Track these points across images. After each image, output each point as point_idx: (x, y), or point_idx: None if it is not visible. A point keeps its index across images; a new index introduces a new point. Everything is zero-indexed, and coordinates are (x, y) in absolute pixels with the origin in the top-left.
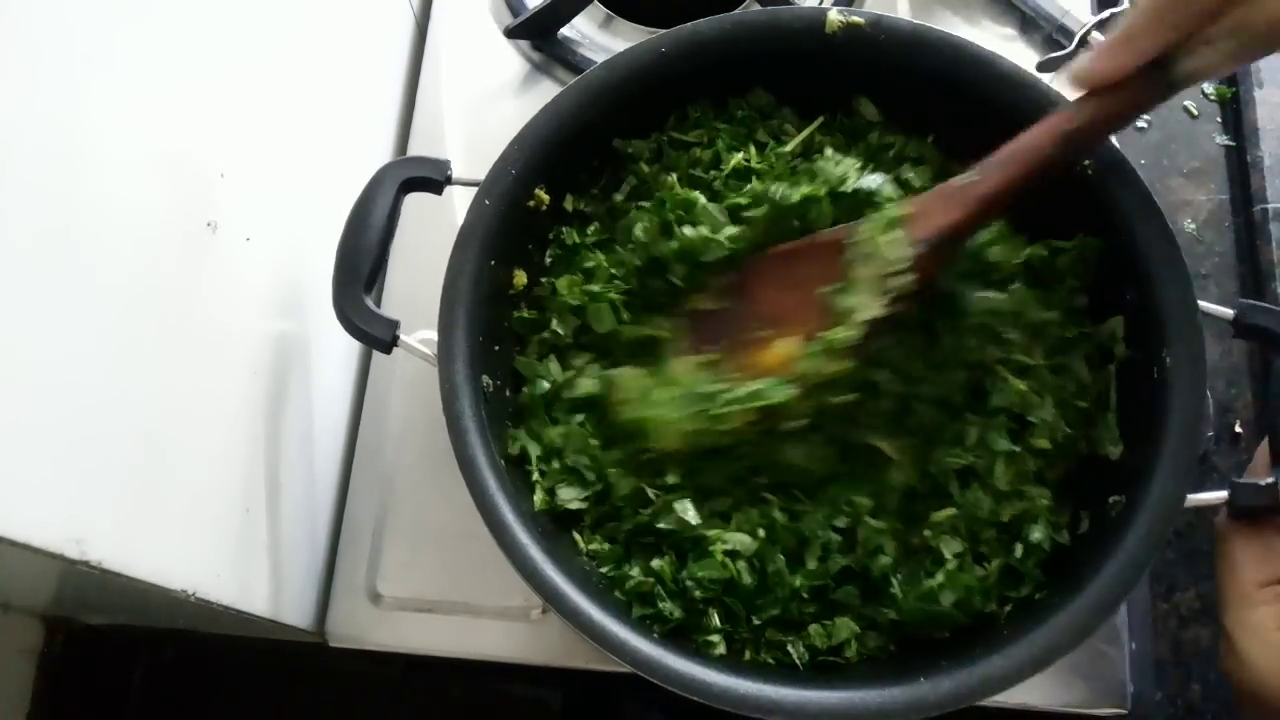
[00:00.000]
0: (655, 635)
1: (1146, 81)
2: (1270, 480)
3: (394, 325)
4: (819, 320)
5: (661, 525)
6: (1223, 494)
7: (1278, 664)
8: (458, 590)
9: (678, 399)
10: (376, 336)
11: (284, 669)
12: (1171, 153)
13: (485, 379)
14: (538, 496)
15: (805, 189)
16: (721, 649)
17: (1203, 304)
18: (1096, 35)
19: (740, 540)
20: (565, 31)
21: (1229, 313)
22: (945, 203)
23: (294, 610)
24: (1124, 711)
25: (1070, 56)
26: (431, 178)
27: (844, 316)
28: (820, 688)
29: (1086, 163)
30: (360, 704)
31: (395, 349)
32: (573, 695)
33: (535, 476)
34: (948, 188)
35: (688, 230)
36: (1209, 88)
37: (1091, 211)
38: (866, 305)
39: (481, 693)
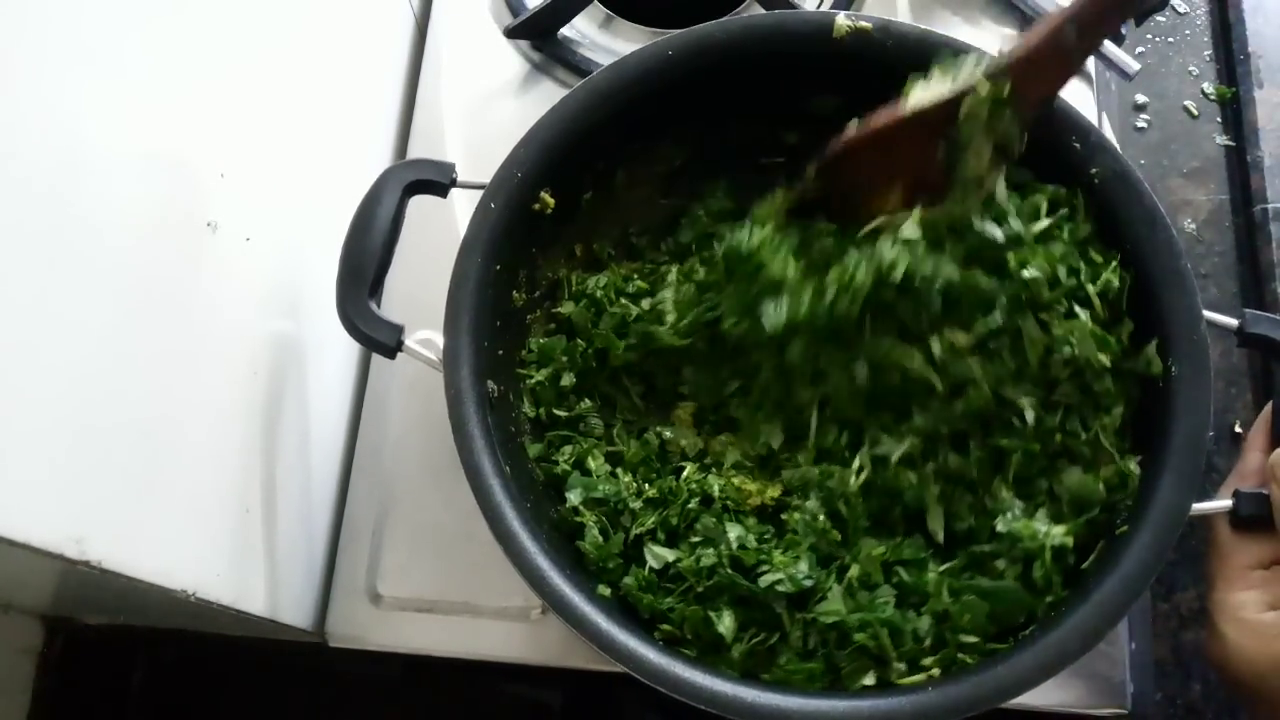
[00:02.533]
0: (660, 642)
1: None
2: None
3: (398, 330)
4: (931, 183)
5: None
6: (1227, 503)
7: (1256, 645)
8: (458, 590)
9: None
10: (381, 341)
11: (284, 669)
12: (1172, 153)
13: (490, 384)
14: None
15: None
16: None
17: (1207, 313)
18: None
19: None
20: (565, 31)
21: (1233, 322)
22: (1049, 67)
23: (293, 610)
24: (1124, 711)
25: None
26: (437, 181)
27: (972, 183)
28: (827, 696)
29: (1093, 171)
30: (360, 704)
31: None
32: (572, 695)
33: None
34: (1050, 47)
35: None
36: (1209, 87)
37: (1097, 220)
38: (989, 173)
39: (481, 693)
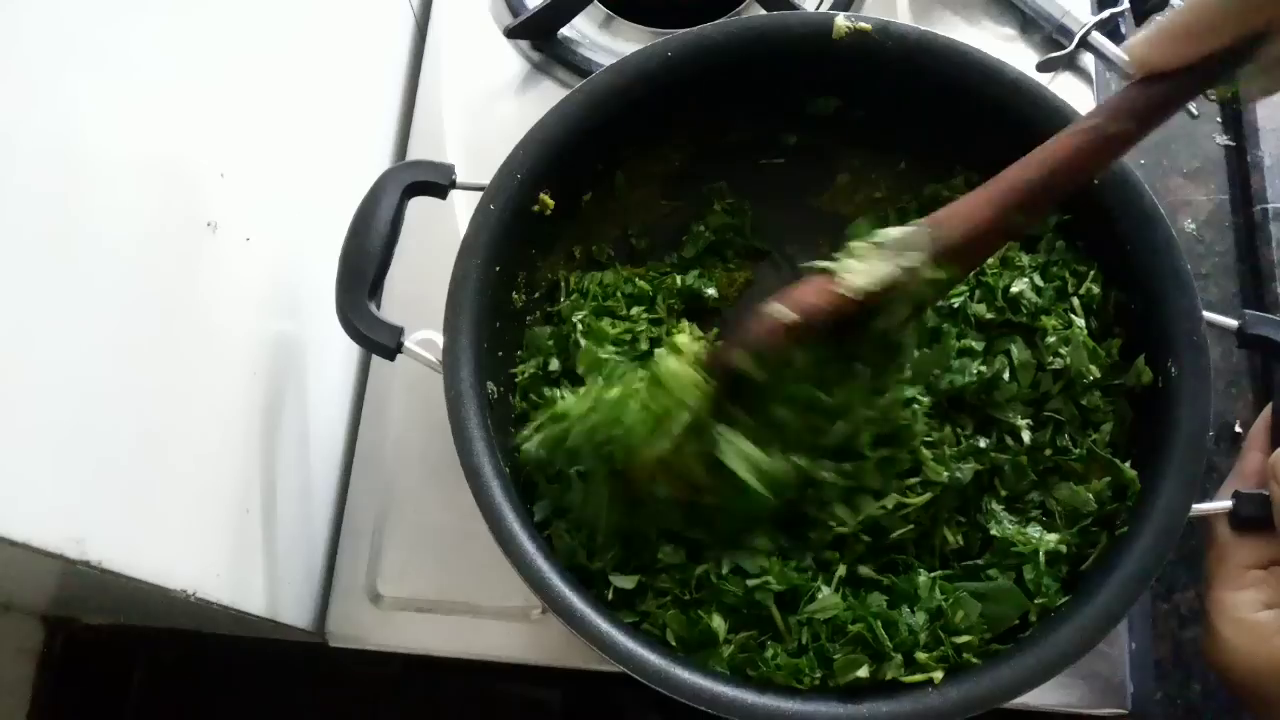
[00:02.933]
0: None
1: (1209, 67)
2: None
3: (398, 332)
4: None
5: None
6: (1227, 504)
7: (1252, 645)
8: (458, 590)
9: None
10: (381, 343)
11: (284, 669)
12: (1172, 153)
13: (490, 385)
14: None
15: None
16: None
17: (1207, 315)
18: (1096, 35)
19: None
20: (565, 31)
21: (1233, 323)
22: (990, 242)
23: (293, 610)
24: (1124, 711)
25: (1070, 56)
26: (436, 182)
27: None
28: (826, 699)
29: None
30: (360, 704)
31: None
32: (572, 695)
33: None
34: (997, 225)
35: None
36: None
37: (1096, 222)
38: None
39: (481, 692)
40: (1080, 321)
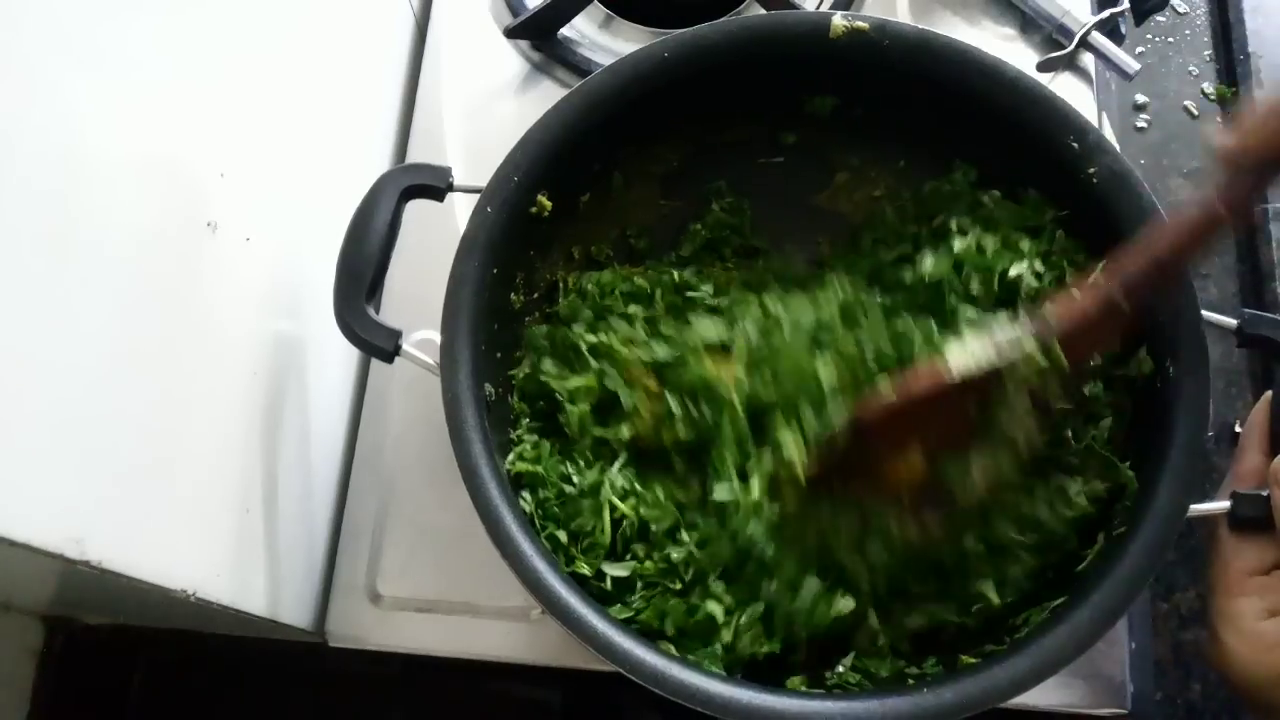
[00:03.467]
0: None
1: None
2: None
3: (396, 335)
4: (959, 437)
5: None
6: (1225, 504)
7: (1255, 653)
8: (457, 590)
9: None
10: (379, 346)
11: (283, 669)
12: (1172, 153)
13: (488, 387)
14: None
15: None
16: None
17: (1206, 314)
18: (1097, 35)
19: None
20: (565, 31)
21: (1232, 323)
22: (1098, 333)
23: (293, 610)
24: (1124, 711)
25: (1070, 56)
26: (433, 185)
27: (1006, 442)
28: (823, 698)
29: (1092, 170)
30: (360, 704)
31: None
32: (572, 695)
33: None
34: (1102, 315)
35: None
36: (1209, 87)
37: (1096, 221)
38: (1031, 432)
39: (481, 693)
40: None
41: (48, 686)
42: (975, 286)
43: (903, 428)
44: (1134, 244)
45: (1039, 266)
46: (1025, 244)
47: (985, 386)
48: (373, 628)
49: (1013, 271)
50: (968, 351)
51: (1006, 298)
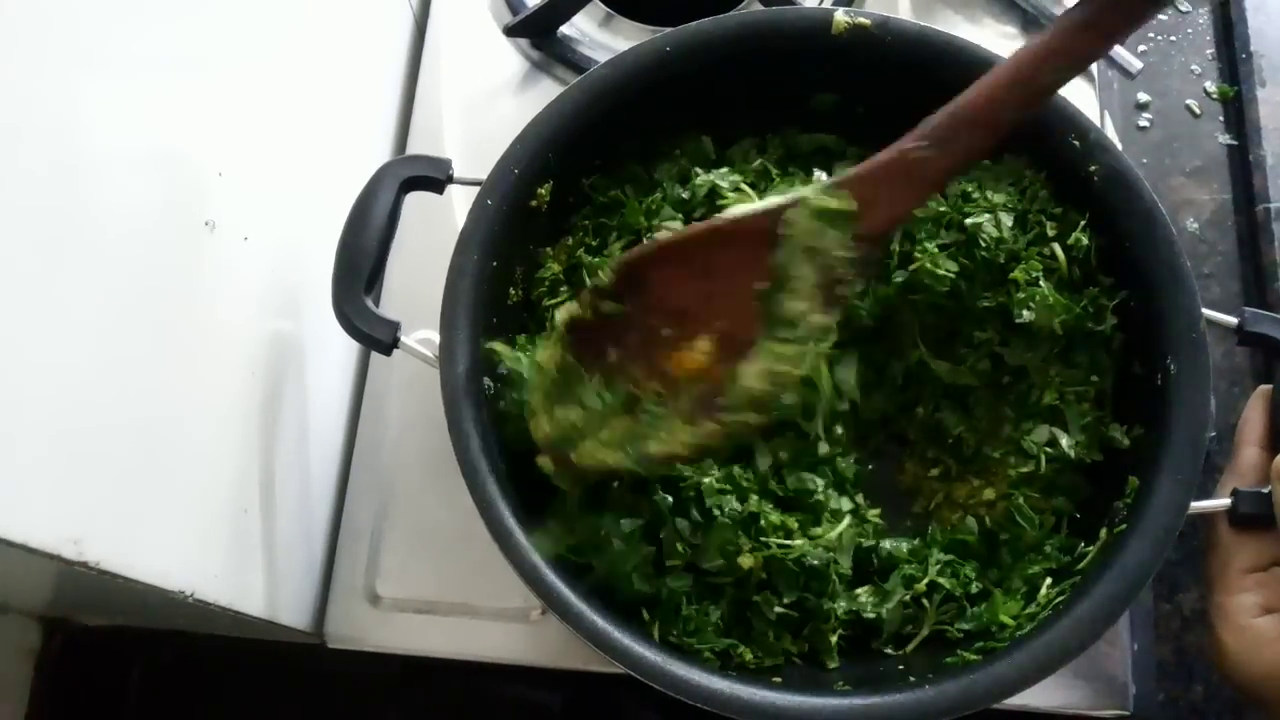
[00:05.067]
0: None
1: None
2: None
3: (394, 327)
4: (746, 320)
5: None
6: (1225, 502)
7: (1251, 651)
8: (456, 591)
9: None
10: (377, 338)
11: (282, 670)
12: (1174, 152)
13: (486, 381)
14: None
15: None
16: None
17: (1207, 312)
18: None
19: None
20: (565, 29)
21: (1232, 320)
22: (895, 186)
23: (292, 611)
24: (1126, 712)
25: None
26: (433, 177)
27: (787, 324)
28: (824, 694)
29: (1093, 169)
30: (358, 705)
31: (395, 350)
32: (572, 696)
33: None
34: (896, 164)
35: None
36: (1211, 86)
37: (1095, 218)
38: (814, 313)
39: (480, 694)
40: (1062, 257)
41: (45, 687)
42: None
43: (677, 285)
44: (953, 115)
45: (1007, 222)
46: (992, 198)
47: (764, 241)
48: (371, 628)
49: (971, 219)
50: (750, 203)
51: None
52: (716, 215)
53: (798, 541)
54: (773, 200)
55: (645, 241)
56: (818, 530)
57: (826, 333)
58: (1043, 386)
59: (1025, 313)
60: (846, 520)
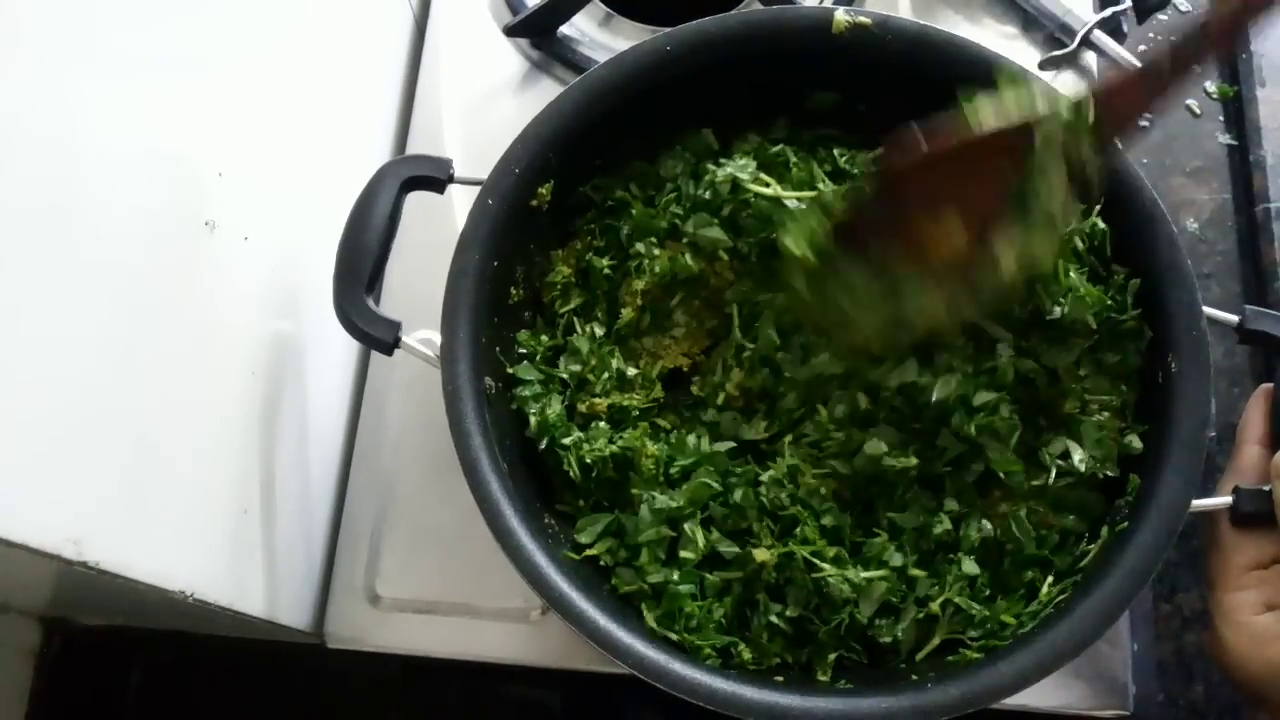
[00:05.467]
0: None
1: None
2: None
3: (395, 326)
4: (998, 212)
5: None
6: (1227, 500)
7: (1251, 648)
8: (457, 591)
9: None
10: (378, 338)
11: (282, 670)
12: (1174, 151)
13: (488, 380)
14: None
15: None
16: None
17: (1207, 310)
18: (1098, 34)
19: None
20: (565, 29)
21: (1233, 318)
22: (1131, 95)
23: (291, 611)
24: (1126, 713)
25: (1073, 55)
26: (434, 176)
27: (1043, 215)
28: (825, 694)
29: None
30: (359, 705)
31: (396, 350)
32: (572, 697)
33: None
34: (1133, 79)
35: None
36: (1211, 86)
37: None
38: (1064, 204)
39: (480, 694)
40: (1082, 247)
41: (45, 687)
42: None
43: (933, 185)
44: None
45: None
46: None
47: (1016, 145)
48: (371, 629)
49: None
50: (999, 104)
51: None
52: (969, 125)
53: (827, 566)
54: (1019, 110)
55: (900, 150)
56: (850, 569)
57: (1072, 220)
58: (1068, 394)
59: (1057, 308)
60: (884, 573)
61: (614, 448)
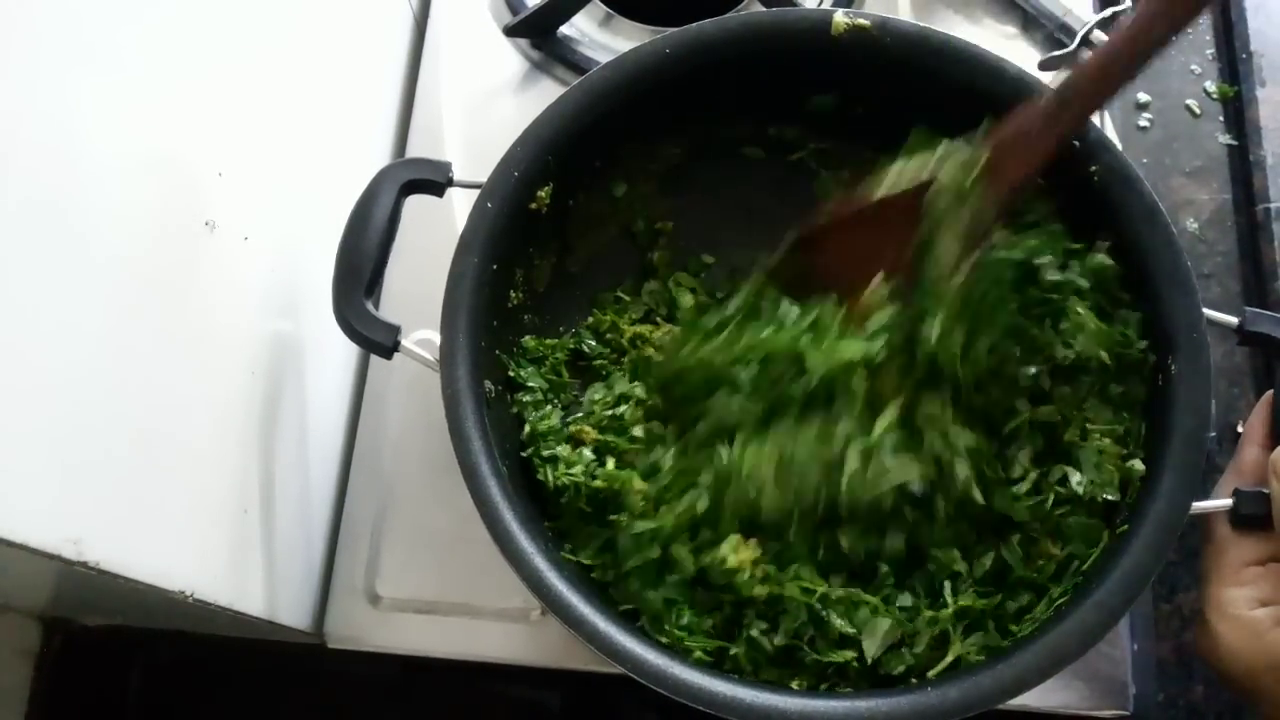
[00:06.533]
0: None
1: None
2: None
3: (395, 330)
4: (906, 264)
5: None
6: (1227, 502)
7: (1246, 642)
8: (456, 591)
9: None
10: (377, 341)
11: (282, 670)
12: (1174, 152)
13: (487, 384)
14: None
15: None
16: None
17: (1207, 311)
18: (1098, 34)
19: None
20: (565, 30)
21: (1233, 320)
22: (1028, 143)
23: (291, 611)
24: (1126, 713)
25: (1072, 55)
26: (433, 180)
27: (935, 263)
28: (825, 696)
29: (1093, 169)
30: (358, 705)
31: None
32: (571, 697)
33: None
34: (1029, 120)
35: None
36: (1211, 86)
37: (1097, 219)
38: (958, 253)
39: (480, 694)
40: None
41: (45, 687)
42: None
43: (850, 246)
44: (1082, 71)
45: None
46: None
47: (914, 206)
48: (371, 629)
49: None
50: (901, 170)
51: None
52: (869, 189)
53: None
54: (914, 174)
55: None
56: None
57: (963, 272)
58: (1070, 422)
59: (1067, 351)
60: (888, 612)
61: (598, 483)
